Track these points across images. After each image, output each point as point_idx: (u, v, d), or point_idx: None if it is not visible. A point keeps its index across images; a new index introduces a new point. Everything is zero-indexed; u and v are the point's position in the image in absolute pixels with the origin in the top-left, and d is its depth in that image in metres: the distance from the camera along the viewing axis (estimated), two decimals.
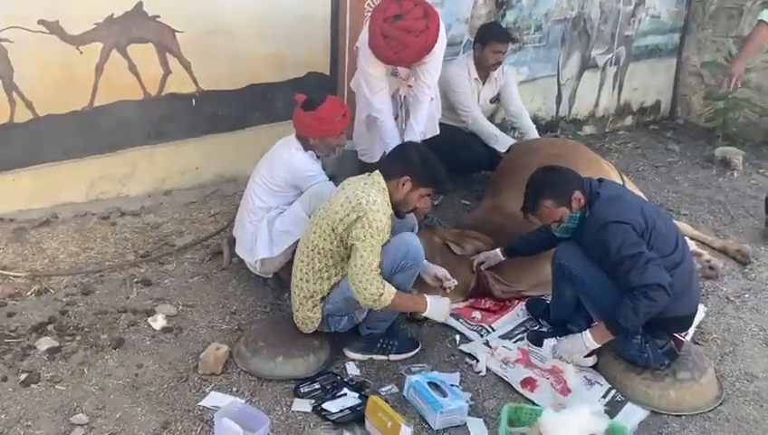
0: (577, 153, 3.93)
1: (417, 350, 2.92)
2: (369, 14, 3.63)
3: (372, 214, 2.58)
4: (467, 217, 3.89)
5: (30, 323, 2.92)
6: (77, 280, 3.24)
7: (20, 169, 3.54)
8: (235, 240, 3.35)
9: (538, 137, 4.42)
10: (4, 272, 3.21)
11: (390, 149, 3.17)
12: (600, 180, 2.83)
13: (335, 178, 3.23)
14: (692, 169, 5.07)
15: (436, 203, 4.17)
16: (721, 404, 2.74)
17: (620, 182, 3.56)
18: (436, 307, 2.80)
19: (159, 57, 3.76)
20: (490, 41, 4.14)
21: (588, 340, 2.73)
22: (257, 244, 3.14)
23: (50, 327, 2.89)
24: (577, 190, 2.72)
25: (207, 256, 3.50)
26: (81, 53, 3.52)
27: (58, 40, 3.44)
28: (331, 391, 2.65)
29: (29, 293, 3.11)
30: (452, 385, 2.68)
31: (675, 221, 3.50)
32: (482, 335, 3.04)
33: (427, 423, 2.55)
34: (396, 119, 3.64)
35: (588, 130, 5.57)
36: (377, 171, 2.76)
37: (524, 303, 3.27)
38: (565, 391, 2.74)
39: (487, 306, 3.24)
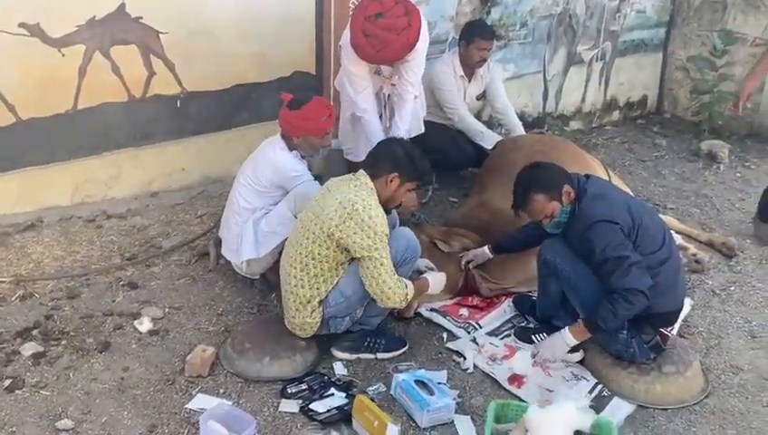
0: (563, 149, 3.94)
1: (404, 348, 2.92)
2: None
3: (373, 220, 2.60)
4: (454, 214, 3.90)
5: (14, 328, 2.90)
6: (62, 284, 3.22)
7: (3, 174, 3.51)
8: (221, 241, 3.34)
9: (524, 133, 4.42)
10: None
11: None
12: (588, 176, 2.84)
13: (322, 177, 3.23)
14: (678, 163, 5.09)
15: (424, 201, 4.18)
16: (707, 397, 2.76)
17: (606, 178, 3.57)
18: (436, 282, 2.93)
19: (143, 59, 3.74)
20: (475, 38, 4.13)
21: (567, 337, 2.74)
22: (243, 245, 3.13)
23: (35, 332, 2.88)
24: (566, 184, 2.72)
25: (194, 257, 3.49)
26: (64, 55, 3.50)
27: (39, 42, 3.41)
28: (319, 391, 2.65)
29: (13, 298, 3.09)
30: (439, 383, 2.69)
31: (661, 215, 3.53)
32: (469, 332, 3.05)
33: (414, 421, 2.55)
34: (380, 118, 3.63)
35: (575, 125, 5.58)
36: (361, 171, 2.76)
37: (511, 299, 3.27)
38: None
39: (474, 303, 3.24)
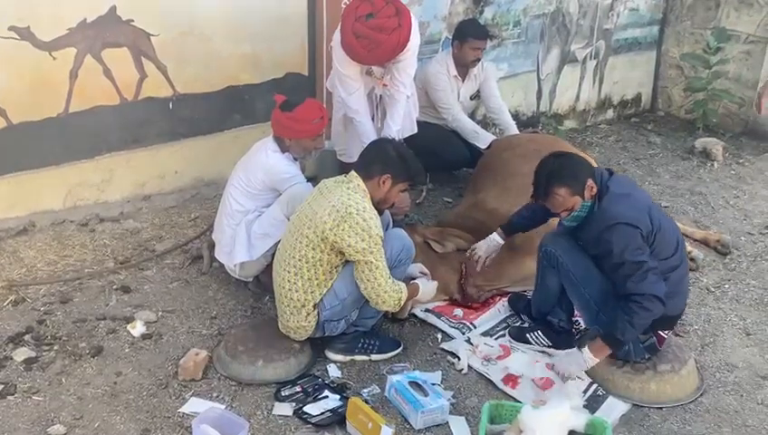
0: (557, 148, 3.93)
1: (398, 350, 2.91)
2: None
3: (367, 223, 2.59)
4: (448, 214, 3.89)
5: (6, 333, 2.89)
6: (55, 289, 3.21)
7: None
8: (215, 244, 3.32)
9: (518, 133, 4.42)
10: None
11: None
12: (611, 173, 2.72)
13: (315, 179, 3.22)
14: (673, 161, 5.09)
15: (418, 201, 4.18)
16: (701, 395, 2.76)
17: None
18: (427, 290, 2.93)
19: (135, 61, 3.72)
20: (468, 38, 4.13)
21: (588, 358, 2.65)
22: (236, 247, 3.12)
23: (27, 337, 2.86)
24: (590, 178, 2.61)
25: (187, 260, 3.48)
26: (55, 58, 3.48)
27: (30, 46, 3.39)
28: (313, 393, 2.64)
29: (5, 303, 3.08)
30: (433, 384, 2.68)
31: None
32: (463, 333, 3.04)
33: (409, 423, 2.55)
34: (372, 119, 3.63)
35: (569, 124, 5.58)
36: (353, 173, 2.75)
37: (506, 299, 3.27)
38: (547, 384, 2.74)
39: (468, 303, 3.23)
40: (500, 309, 3.22)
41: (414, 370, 2.78)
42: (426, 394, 2.57)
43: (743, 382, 2.84)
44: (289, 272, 2.71)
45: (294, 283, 2.71)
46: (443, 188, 4.39)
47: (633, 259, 2.54)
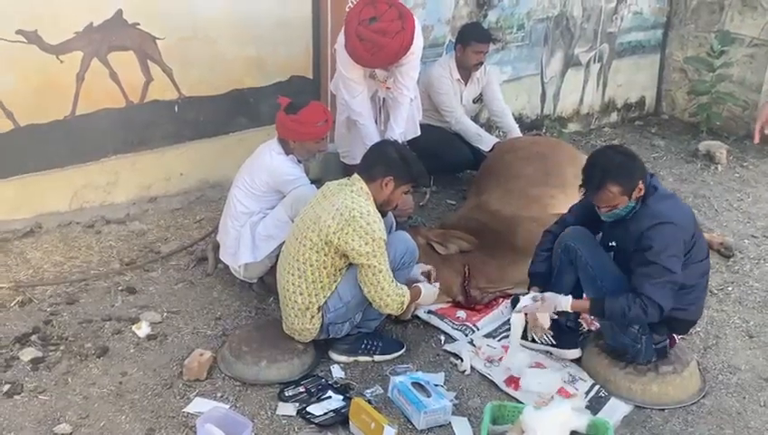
0: (560, 150, 3.96)
1: (401, 351, 2.93)
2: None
3: (371, 226, 2.60)
4: (451, 216, 3.90)
5: (13, 333, 2.91)
6: (61, 290, 3.24)
7: (2, 180, 3.52)
8: (219, 246, 3.35)
9: (521, 136, 4.43)
10: None
11: None
12: (651, 174, 2.67)
13: (319, 181, 3.24)
14: (677, 164, 5.09)
15: (422, 204, 4.19)
16: (704, 397, 2.76)
17: None
18: (428, 294, 2.92)
19: (141, 64, 3.75)
20: (471, 41, 4.15)
21: (564, 301, 2.66)
22: (241, 249, 3.14)
23: (33, 337, 2.89)
24: (641, 180, 2.58)
25: (193, 262, 3.50)
26: (62, 62, 3.51)
27: (37, 49, 3.43)
28: (316, 394, 2.66)
29: (12, 303, 3.10)
30: (436, 385, 2.69)
31: None
32: (466, 335, 3.05)
33: (411, 424, 2.56)
34: (375, 121, 3.64)
35: (573, 127, 5.58)
36: (356, 175, 2.77)
37: (509, 301, 3.27)
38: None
39: (471, 305, 3.24)
40: (503, 311, 3.23)
41: (417, 371, 2.80)
42: (428, 395, 2.58)
43: (745, 384, 2.84)
44: (293, 275, 2.73)
45: (298, 286, 2.72)
46: (446, 190, 4.41)
47: (664, 264, 2.53)
